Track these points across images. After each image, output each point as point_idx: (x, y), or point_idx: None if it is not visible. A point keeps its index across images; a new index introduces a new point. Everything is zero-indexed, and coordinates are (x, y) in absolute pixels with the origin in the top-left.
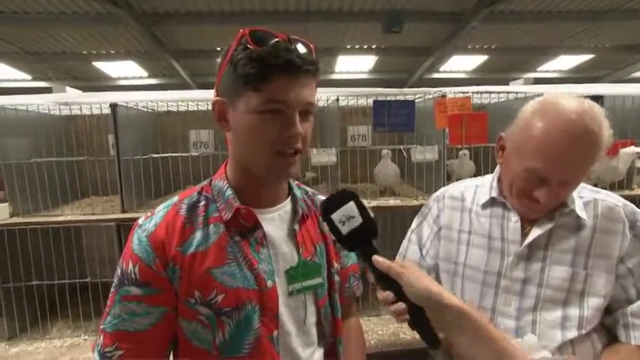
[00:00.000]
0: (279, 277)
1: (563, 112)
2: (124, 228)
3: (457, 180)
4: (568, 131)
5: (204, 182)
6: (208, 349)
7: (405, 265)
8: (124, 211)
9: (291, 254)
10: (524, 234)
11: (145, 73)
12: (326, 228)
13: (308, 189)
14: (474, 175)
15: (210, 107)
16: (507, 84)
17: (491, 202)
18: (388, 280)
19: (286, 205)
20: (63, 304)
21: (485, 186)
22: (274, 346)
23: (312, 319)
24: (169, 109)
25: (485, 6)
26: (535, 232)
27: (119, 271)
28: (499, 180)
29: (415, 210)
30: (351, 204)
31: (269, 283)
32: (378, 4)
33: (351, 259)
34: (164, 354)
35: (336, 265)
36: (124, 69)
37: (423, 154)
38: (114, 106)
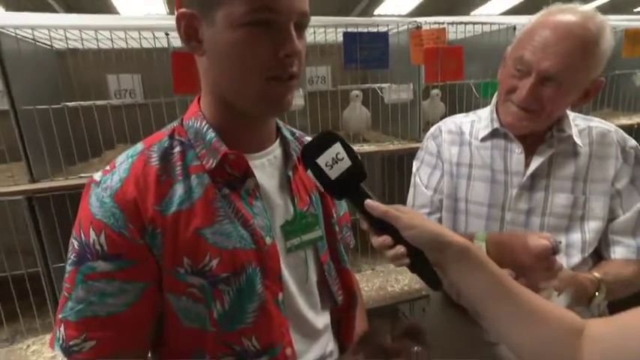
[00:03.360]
0: (275, 233)
1: (565, 10)
2: (41, 202)
3: (428, 123)
4: (560, 22)
5: (174, 123)
6: (203, 326)
7: (399, 209)
8: (33, 181)
9: (285, 206)
10: (526, 164)
11: None
12: (310, 175)
13: (294, 130)
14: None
15: (141, 42)
16: None
17: (492, 135)
18: (384, 225)
19: (276, 149)
20: None
21: (482, 120)
22: (281, 311)
23: (313, 277)
24: (79, 45)
25: None
26: (537, 161)
27: (75, 244)
28: (497, 111)
29: (392, 155)
30: (338, 145)
31: (267, 240)
32: None
33: (343, 208)
34: (146, 340)
35: (334, 214)
36: None
37: (398, 93)
38: None
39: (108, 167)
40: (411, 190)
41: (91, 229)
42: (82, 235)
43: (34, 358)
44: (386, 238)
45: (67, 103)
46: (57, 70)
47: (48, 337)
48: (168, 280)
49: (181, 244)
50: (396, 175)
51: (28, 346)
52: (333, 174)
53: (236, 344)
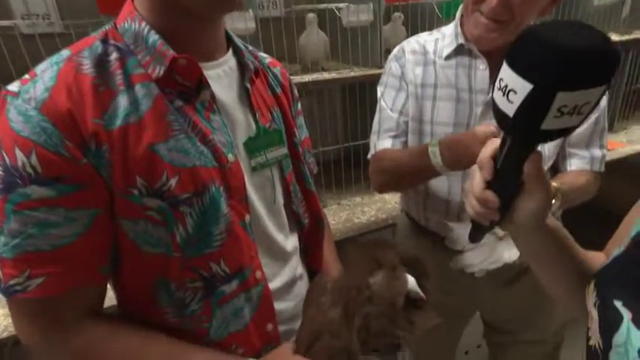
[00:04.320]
0: (237, 150)
1: None
2: None
3: (388, 50)
4: None
5: (105, 27)
6: (165, 252)
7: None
8: None
9: (247, 121)
10: (491, 81)
11: None
12: (505, 72)
13: (245, 43)
14: None
15: None
16: None
17: (457, 52)
18: (513, 187)
19: (230, 60)
20: None
21: (446, 37)
22: (249, 233)
23: (280, 198)
24: None
25: None
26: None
27: None
28: (462, 25)
29: (352, 83)
30: (600, 90)
31: (230, 157)
32: None
33: (304, 132)
34: (103, 273)
35: (297, 133)
36: None
37: (357, 14)
38: None
39: (27, 76)
40: (377, 116)
41: (16, 150)
42: (6, 157)
43: None
44: (496, 202)
45: None
46: None
47: None
48: (122, 204)
49: (132, 162)
50: (358, 104)
51: None
52: (552, 125)
53: (203, 269)
